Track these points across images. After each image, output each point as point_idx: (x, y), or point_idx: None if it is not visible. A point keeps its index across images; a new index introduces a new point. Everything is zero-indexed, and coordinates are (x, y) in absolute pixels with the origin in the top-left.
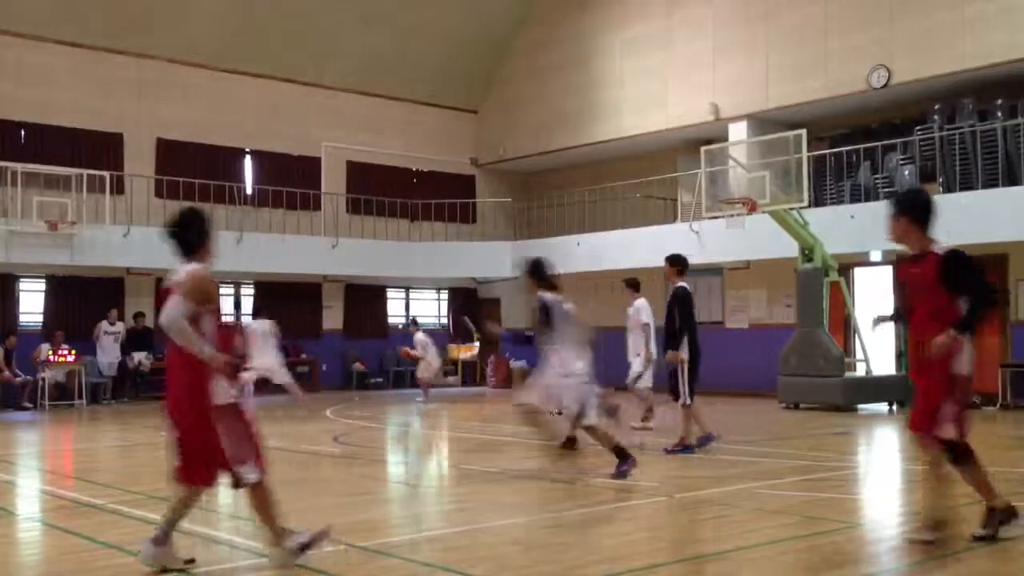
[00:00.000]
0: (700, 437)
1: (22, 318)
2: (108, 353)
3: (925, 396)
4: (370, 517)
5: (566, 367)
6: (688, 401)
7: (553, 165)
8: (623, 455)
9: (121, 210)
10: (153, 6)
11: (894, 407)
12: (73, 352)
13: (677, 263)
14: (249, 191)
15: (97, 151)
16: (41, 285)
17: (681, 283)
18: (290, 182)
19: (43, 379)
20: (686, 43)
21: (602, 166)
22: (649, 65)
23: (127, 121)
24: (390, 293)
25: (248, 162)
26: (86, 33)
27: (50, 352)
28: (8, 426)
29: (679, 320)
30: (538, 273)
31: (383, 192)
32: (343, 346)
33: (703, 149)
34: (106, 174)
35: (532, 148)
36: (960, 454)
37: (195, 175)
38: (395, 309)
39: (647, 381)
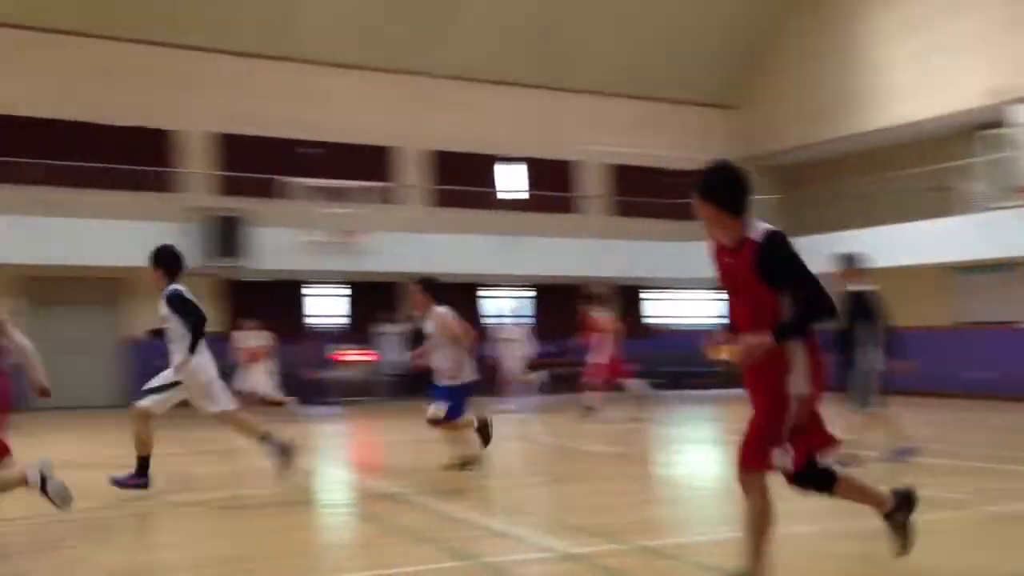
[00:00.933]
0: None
1: (310, 321)
2: (388, 353)
3: (754, 421)
4: (648, 517)
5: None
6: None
7: (820, 157)
8: (144, 468)
9: (397, 219)
10: (428, 27)
11: None
12: (370, 351)
13: None
14: (510, 196)
15: (371, 164)
16: (325, 290)
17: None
18: (547, 186)
19: (338, 377)
20: (964, 20)
21: (873, 156)
22: (924, 45)
23: (399, 136)
24: (646, 294)
25: (508, 169)
26: (366, 56)
27: (344, 351)
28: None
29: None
30: (167, 263)
31: (642, 193)
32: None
33: (985, 134)
34: (389, 185)
35: (796, 141)
36: (815, 482)
37: (464, 183)
38: (656, 310)
39: None
